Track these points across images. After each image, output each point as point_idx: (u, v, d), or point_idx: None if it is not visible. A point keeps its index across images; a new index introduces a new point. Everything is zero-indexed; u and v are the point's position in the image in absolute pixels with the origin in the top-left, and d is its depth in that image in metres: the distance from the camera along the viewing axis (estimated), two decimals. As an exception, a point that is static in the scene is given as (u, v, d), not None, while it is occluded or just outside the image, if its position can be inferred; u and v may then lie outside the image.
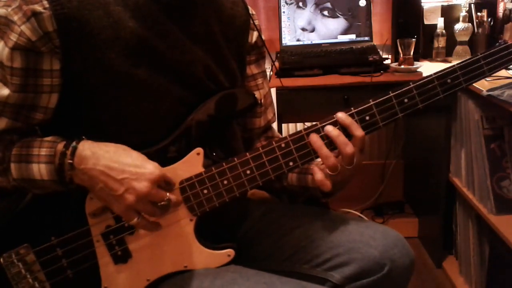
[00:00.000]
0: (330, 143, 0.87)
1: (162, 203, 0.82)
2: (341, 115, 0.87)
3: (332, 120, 0.88)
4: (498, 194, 1.53)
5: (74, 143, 0.80)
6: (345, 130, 0.87)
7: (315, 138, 0.87)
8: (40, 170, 0.81)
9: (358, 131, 0.87)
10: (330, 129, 0.87)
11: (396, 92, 0.87)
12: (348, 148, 0.86)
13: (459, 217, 1.90)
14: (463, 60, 0.88)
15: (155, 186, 0.81)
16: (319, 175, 0.90)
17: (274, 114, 1.18)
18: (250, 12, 1.04)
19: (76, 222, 0.87)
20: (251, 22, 1.03)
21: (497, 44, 0.87)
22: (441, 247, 2.05)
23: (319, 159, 0.90)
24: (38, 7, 0.76)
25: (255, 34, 1.05)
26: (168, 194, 0.82)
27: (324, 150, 0.87)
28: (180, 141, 0.88)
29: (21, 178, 0.82)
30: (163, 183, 0.83)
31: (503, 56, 0.86)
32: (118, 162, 0.79)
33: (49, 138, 0.83)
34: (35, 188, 0.84)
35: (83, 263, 0.89)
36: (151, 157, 0.85)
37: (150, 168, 0.80)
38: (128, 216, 0.82)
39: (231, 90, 0.95)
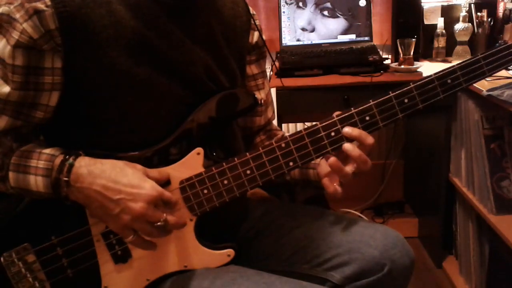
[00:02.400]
0: (331, 143, 0.87)
1: (159, 223, 0.81)
2: (347, 130, 0.87)
3: (332, 120, 0.87)
4: (498, 194, 1.53)
5: (71, 160, 0.80)
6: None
7: (335, 163, 0.87)
8: (36, 182, 0.81)
9: (369, 139, 0.87)
10: (350, 149, 0.87)
11: (396, 92, 0.87)
12: (368, 165, 0.88)
13: (459, 217, 1.90)
14: (463, 60, 0.88)
15: (152, 206, 0.80)
16: (331, 188, 0.92)
17: (274, 112, 1.19)
18: (251, 12, 1.04)
19: (76, 221, 0.87)
20: (252, 22, 1.03)
21: (497, 44, 0.88)
22: (441, 247, 2.05)
23: (318, 160, 0.90)
24: (40, 5, 0.76)
25: (256, 34, 1.05)
26: (165, 215, 0.81)
27: (344, 171, 0.88)
28: (181, 143, 0.88)
29: (18, 187, 0.82)
30: (161, 203, 0.82)
31: (503, 57, 0.86)
32: (115, 182, 0.79)
33: (47, 150, 0.83)
34: (32, 196, 0.84)
35: (83, 262, 0.89)
36: (151, 157, 0.85)
37: (147, 188, 0.80)
38: (124, 233, 0.82)
39: (231, 90, 0.95)
